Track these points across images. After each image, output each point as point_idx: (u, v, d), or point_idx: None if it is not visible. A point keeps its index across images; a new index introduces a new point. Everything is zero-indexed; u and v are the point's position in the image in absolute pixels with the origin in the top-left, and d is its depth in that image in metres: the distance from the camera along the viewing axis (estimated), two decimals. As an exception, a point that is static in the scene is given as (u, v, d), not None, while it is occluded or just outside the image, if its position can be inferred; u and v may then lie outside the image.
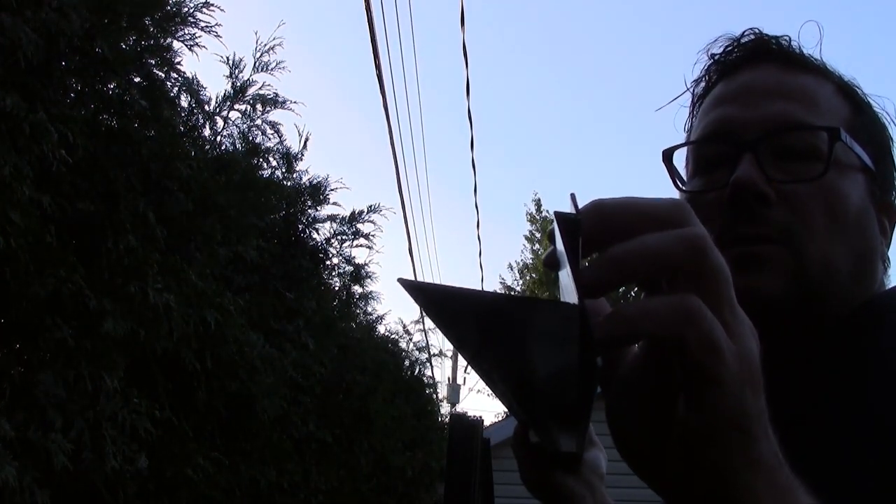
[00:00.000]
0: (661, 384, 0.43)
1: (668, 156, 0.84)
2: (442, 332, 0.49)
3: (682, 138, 0.88)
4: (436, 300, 0.47)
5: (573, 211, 0.43)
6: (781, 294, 0.71)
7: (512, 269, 20.87)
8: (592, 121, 39.13)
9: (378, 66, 5.76)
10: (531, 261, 20.53)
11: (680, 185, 0.84)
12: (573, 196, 0.43)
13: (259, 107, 3.17)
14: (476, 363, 0.49)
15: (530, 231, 20.85)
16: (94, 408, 1.82)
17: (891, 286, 0.80)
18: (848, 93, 0.81)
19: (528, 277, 20.35)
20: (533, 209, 20.82)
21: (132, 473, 1.90)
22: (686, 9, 37.70)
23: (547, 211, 20.38)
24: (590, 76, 38.26)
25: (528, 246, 20.79)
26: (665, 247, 0.40)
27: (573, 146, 37.15)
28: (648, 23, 37.00)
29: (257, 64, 3.10)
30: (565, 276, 0.45)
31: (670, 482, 0.44)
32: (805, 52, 0.82)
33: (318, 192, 3.84)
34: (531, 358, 0.46)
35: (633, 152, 35.59)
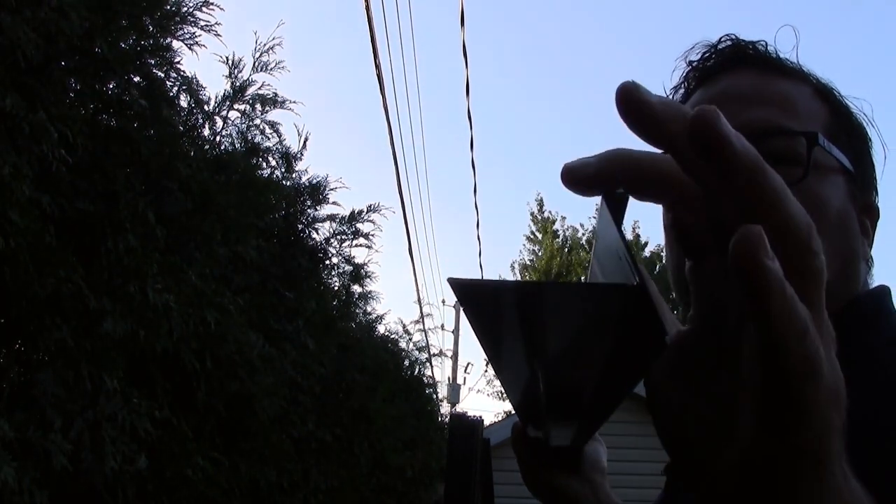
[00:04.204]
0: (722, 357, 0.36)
1: None
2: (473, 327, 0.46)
3: None
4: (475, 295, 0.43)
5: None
6: None
7: (513, 269, 20.88)
8: (593, 120, 39.14)
9: (378, 66, 5.77)
10: (530, 261, 20.52)
11: None
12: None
13: (258, 107, 3.17)
14: (497, 354, 0.47)
15: (532, 231, 20.85)
16: (93, 408, 1.82)
17: (874, 286, 0.80)
18: (825, 95, 0.81)
19: (526, 276, 20.32)
20: (535, 209, 20.84)
21: (132, 473, 1.89)
22: (687, 9, 37.71)
23: (550, 212, 20.45)
24: (590, 75, 38.26)
25: (529, 246, 20.79)
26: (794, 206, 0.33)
27: (574, 146, 37.15)
28: (649, 22, 37.02)
29: (257, 64, 3.10)
30: (604, 254, 0.42)
31: (725, 496, 0.37)
32: (782, 55, 0.82)
33: (317, 192, 3.84)
34: (557, 346, 0.44)
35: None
